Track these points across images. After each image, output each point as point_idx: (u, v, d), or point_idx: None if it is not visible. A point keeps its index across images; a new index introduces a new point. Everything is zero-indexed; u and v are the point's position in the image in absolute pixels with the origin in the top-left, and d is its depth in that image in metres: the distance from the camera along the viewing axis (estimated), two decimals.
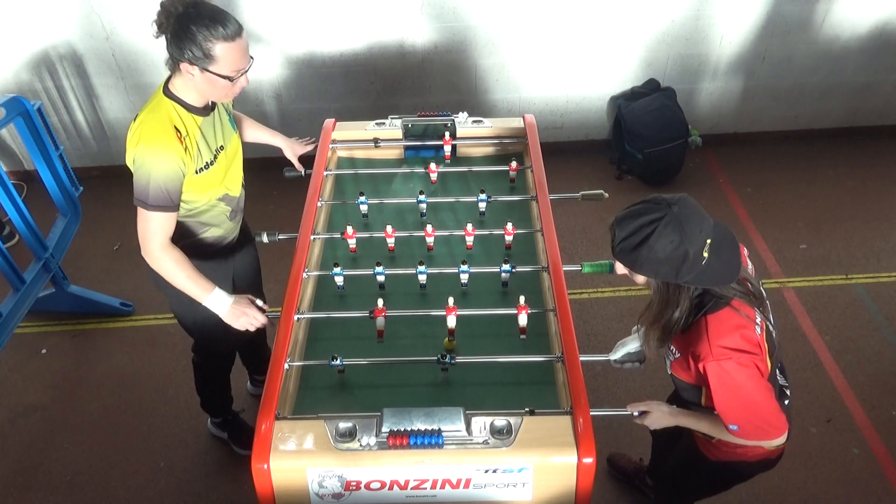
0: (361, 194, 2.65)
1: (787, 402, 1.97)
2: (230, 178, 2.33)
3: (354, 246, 2.53)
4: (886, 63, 4.44)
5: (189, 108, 2.12)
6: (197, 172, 2.15)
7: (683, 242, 1.61)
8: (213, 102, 2.21)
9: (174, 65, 2.03)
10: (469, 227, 2.48)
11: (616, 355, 2.15)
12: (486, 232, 2.55)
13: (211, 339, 2.60)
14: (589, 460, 1.79)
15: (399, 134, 2.96)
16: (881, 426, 3.07)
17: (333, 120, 2.99)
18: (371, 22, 4.04)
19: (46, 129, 3.23)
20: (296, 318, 2.20)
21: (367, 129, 2.96)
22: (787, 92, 4.53)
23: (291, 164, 2.81)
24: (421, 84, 4.31)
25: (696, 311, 1.74)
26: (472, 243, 2.53)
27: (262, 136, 2.75)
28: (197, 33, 1.92)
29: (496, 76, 4.32)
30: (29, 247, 3.28)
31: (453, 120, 2.94)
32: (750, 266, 1.88)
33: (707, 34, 4.23)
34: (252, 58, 2.08)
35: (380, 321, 2.19)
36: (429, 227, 2.49)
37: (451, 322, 2.16)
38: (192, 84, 2.05)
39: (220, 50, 1.96)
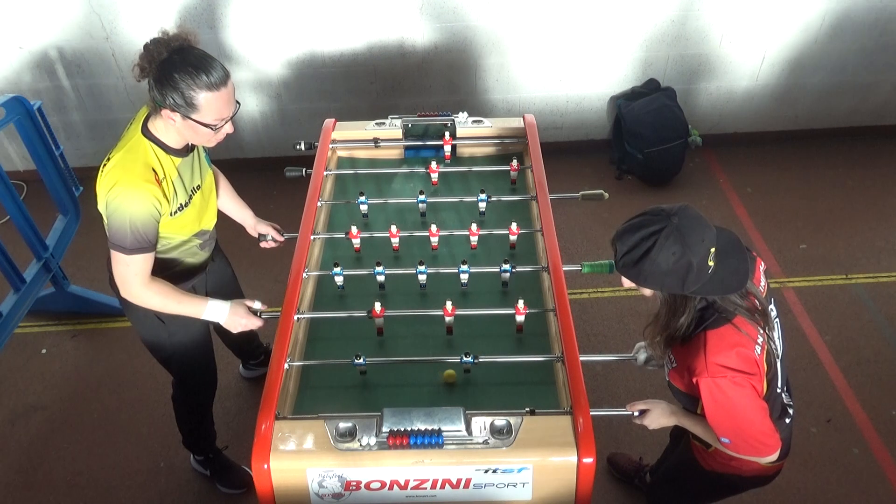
0: (361, 194, 2.65)
1: (788, 420, 1.94)
2: (206, 217, 2.29)
3: (359, 246, 2.53)
4: (886, 63, 4.43)
5: (168, 150, 2.05)
6: (172, 214, 2.09)
7: (686, 254, 1.58)
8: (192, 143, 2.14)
9: (156, 108, 1.95)
10: (473, 226, 2.48)
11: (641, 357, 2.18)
12: (489, 231, 2.55)
13: (188, 369, 2.54)
14: (589, 460, 1.79)
15: (399, 134, 2.96)
16: (881, 426, 3.07)
17: (333, 120, 2.99)
18: (371, 22, 4.04)
19: (46, 129, 3.23)
20: (296, 318, 2.20)
21: (367, 129, 2.96)
22: (787, 92, 4.53)
23: (292, 166, 2.80)
24: (421, 84, 4.31)
25: (696, 325, 1.71)
26: (476, 243, 2.53)
27: (231, 207, 2.61)
28: (180, 81, 1.86)
29: (496, 76, 4.32)
30: (29, 247, 3.28)
31: (453, 120, 2.94)
32: (763, 282, 1.83)
33: (707, 34, 4.23)
34: (238, 103, 2.03)
35: (378, 321, 2.19)
36: (433, 227, 2.49)
37: (448, 320, 2.17)
38: (173, 128, 1.99)
39: (203, 99, 1.90)
